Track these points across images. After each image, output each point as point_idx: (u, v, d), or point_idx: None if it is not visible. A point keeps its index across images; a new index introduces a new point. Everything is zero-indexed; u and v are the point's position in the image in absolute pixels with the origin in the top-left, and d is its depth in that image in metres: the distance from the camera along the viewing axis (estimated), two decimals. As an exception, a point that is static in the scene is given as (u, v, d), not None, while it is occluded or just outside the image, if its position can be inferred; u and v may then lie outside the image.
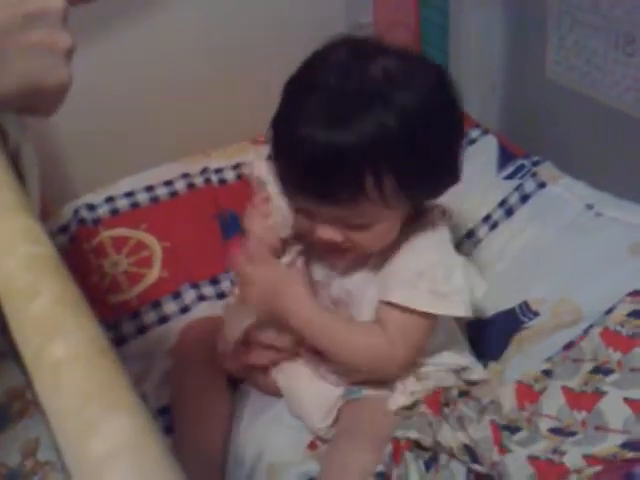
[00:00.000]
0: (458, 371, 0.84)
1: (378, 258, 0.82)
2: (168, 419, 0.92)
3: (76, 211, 1.15)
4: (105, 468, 0.28)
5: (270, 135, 0.78)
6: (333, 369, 0.85)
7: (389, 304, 0.78)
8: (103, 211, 1.16)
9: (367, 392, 0.84)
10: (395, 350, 0.78)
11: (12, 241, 0.37)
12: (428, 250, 0.80)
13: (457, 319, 0.85)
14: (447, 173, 0.79)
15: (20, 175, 0.51)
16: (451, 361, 0.84)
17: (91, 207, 1.16)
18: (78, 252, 1.11)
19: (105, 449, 0.29)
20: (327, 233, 0.76)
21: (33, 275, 0.36)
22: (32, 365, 0.33)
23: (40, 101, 0.50)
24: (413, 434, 0.75)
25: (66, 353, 0.32)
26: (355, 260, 0.83)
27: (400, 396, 0.81)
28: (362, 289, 0.83)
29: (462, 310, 0.78)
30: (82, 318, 0.35)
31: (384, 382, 0.84)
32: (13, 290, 0.35)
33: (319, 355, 0.85)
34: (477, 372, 0.85)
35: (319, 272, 0.86)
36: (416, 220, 0.81)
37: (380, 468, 0.73)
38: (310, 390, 0.86)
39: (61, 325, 0.34)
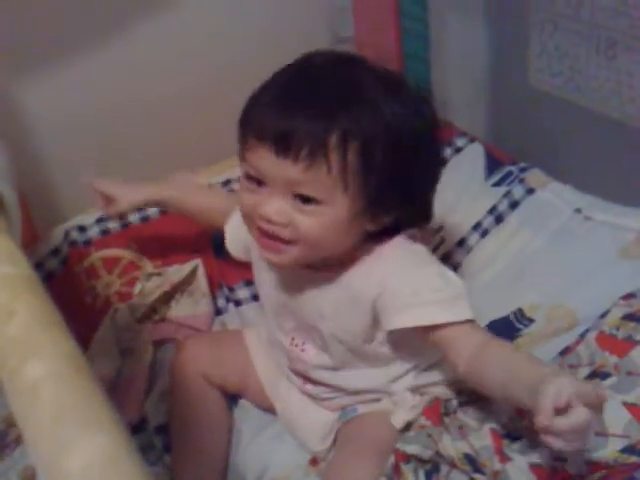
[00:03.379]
0: (454, 383, 0.84)
1: (332, 276, 0.77)
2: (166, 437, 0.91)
3: (67, 233, 1.14)
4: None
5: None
6: (329, 395, 0.85)
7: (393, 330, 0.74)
8: (94, 232, 1.16)
9: (363, 410, 0.83)
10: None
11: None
12: (415, 266, 0.76)
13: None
14: (414, 197, 0.76)
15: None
16: (445, 376, 0.83)
17: (82, 229, 1.16)
18: (70, 274, 1.11)
19: (79, 466, 0.29)
20: (273, 206, 0.70)
21: (9, 295, 0.36)
22: (8, 384, 0.33)
23: None
24: (410, 448, 0.75)
25: (42, 372, 0.32)
26: (302, 275, 0.78)
27: (403, 412, 0.80)
28: (337, 316, 0.79)
29: (470, 313, 0.73)
30: (58, 337, 0.34)
31: (377, 399, 0.83)
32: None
33: (320, 386, 0.85)
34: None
35: (282, 297, 0.83)
36: (384, 241, 0.77)
37: (382, 480, 0.73)
38: (305, 417, 0.86)
39: (37, 344, 0.34)
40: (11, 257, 0.38)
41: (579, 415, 0.56)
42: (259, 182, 0.72)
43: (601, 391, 0.60)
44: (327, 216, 0.71)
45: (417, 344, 0.79)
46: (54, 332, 0.34)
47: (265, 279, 0.85)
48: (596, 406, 0.58)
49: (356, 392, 0.83)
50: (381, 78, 0.74)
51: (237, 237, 0.92)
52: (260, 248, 0.75)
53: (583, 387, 0.58)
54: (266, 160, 0.70)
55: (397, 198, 0.74)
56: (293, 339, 0.84)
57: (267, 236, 0.73)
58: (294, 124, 0.68)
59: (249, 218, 0.75)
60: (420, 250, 0.79)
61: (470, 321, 0.73)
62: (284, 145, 0.68)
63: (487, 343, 0.72)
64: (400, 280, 0.75)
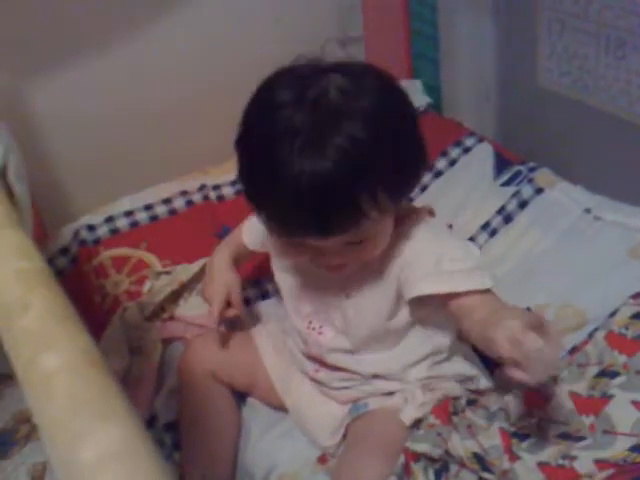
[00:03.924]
0: (464, 381, 0.84)
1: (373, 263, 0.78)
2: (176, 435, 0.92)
3: (76, 232, 1.15)
4: (94, 476, 0.28)
5: (246, 181, 0.72)
6: (342, 383, 0.85)
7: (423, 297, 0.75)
8: (103, 231, 1.16)
9: (374, 406, 0.83)
10: None
11: (2, 256, 0.37)
12: (435, 239, 0.78)
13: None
14: (419, 162, 0.75)
15: (9, 191, 0.51)
16: (457, 371, 0.84)
17: (91, 228, 1.16)
18: (79, 273, 1.11)
19: (94, 457, 0.29)
20: (330, 261, 0.73)
21: (23, 289, 0.36)
22: (23, 376, 0.33)
23: None
24: (420, 447, 0.75)
25: (57, 364, 0.32)
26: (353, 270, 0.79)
27: (412, 409, 0.80)
28: (362, 295, 0.80)
29: (489, 281, 0.73)
30: (73, 330, 0.34)
31: (389, 394, 0.83)
32: (4, 304, 0.35)
33: (335, 372, 0.85)
34: (483, 381, 0.84)
35: (303, 280, 0.84)
36: (405, 221, 0.79)
37: (392, 479, 0.73)
38: (316, 411, 0.87)
39: (52, 337, 0.34)
40: (25, 251, 0.38)
41: (532, 340, 0.59)
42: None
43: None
44: (379, 239, 0.73)
45: (436, 320, 0.80)
46: (69, 325, 0.35)
47: (286, 264, 0.86)
48: (541, 329, 0.60)
49: (372, 376, 0.83)
50: (356, 81, 0.69)
51: (255, 234, 0.93)
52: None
53: (525, 317, 0.62)
54: (312, 241, 0.70)
55: (410, 174, 0.74)
56: (310, 322, 0.85)
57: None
58: (331, 217, 0.66)
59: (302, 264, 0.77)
60: (439, 225, 0.82)
61: (489, 290, 0.73)
62: (329, 232, 0.68)
63: (499, 310, 0.71)
64: (423, 253, 0.76)
